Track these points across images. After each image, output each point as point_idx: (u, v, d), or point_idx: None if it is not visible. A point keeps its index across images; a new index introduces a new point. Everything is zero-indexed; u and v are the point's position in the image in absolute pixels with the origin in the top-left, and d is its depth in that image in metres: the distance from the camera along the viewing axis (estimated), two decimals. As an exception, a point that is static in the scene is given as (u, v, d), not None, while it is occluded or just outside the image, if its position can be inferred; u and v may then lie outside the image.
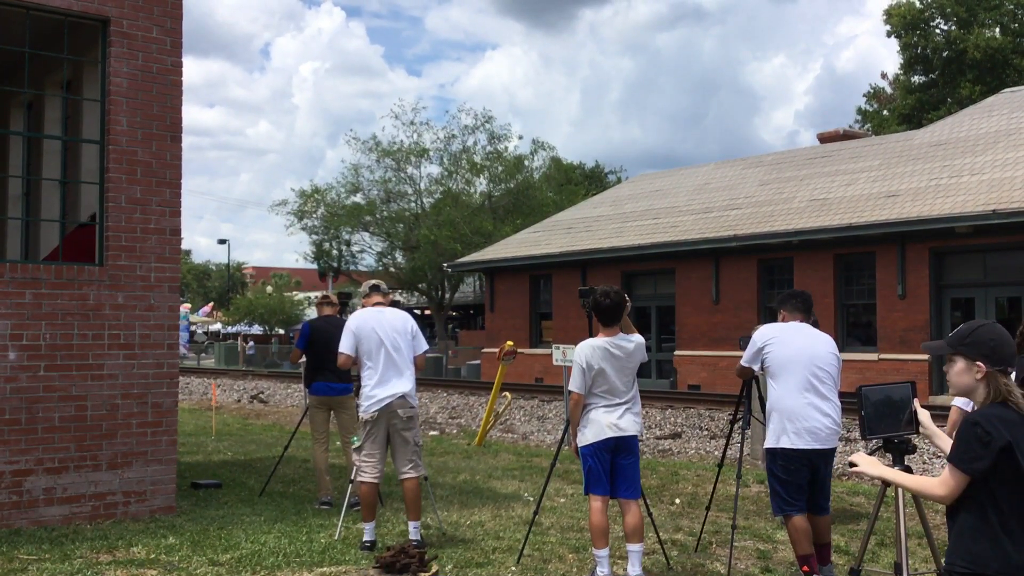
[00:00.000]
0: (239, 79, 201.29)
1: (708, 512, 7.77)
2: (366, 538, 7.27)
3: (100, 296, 8.29)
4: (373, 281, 7.90)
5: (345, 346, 7.45)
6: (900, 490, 4.35)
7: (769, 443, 6.28)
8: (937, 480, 3.39)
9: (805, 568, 6.13)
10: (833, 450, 6.26)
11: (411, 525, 7.29)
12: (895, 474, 3.71)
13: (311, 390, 9.31)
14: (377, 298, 7.71)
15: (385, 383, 7.27)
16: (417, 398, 7.52)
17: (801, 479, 6.13)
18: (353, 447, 7.56)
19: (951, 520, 3.43)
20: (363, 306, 7.71)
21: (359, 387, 7.72)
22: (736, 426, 7.89)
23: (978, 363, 3.43)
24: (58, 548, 7.10)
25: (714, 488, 7.89)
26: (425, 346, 7.64)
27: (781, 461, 6.16)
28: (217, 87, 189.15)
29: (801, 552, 6.16)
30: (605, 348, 6.24)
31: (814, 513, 6.27)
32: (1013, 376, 3.52)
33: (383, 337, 7.34)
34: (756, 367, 6.50)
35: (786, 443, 6.12)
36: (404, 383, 7.33)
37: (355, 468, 7.69)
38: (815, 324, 8.69)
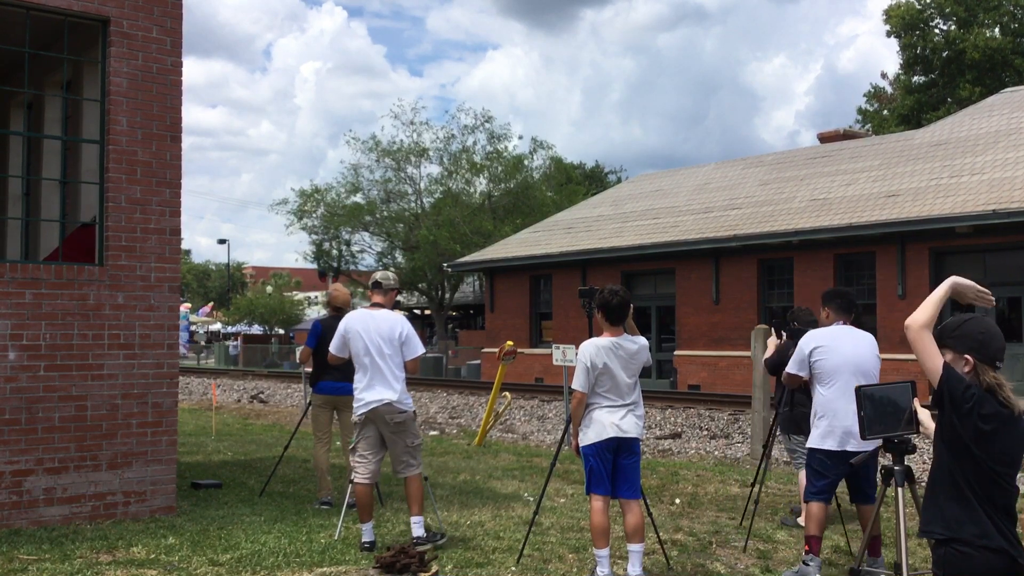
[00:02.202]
0: (241, 79, 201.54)
1: (746, 510, 7.82)
2: (365, 539, 7.24)
3: (100, 296, 8.29)
4: (377, 276, 7.72)
5: (333, 346, 7.50)
6: (900, 490, 4.35)
7: (814, 443, 6.53)
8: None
9: (807, 548, 6.52)
10: (877, 450, 6.41)
11: (413, 520, 7.22)
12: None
13: (316, 389, 9.30)
14: (377, 297, 7.60)
15: (371, 388, 7.22)
16: (410, 401, 7.43)
17: (836, 476, 6.47)
18: (349, 448, 7.55)
19: (929, 490, 3.55)
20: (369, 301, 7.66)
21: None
22: (769, 428, 8.05)
23: (966, 356, 3.46)
24: (58, 548, 7.09)
25: (753, 485, 7.88)
26: (418, 351, 7.45)
27: (820, 456, 6.46)
28: (219, 87, 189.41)
29: (809, 533, 6.55)
30: (609, 348, 6.24)
31: (860, 503, 6.64)
32: None
33: (368, 342, 7.25)
34: (804, 374, 6.68)
35: (832, 445, 6.37)
36: (389, 390, 7.22)
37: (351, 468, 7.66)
38: (815, 324, 8.75)
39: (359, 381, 7.29)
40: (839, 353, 6.50)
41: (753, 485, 8.00)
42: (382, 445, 7.37)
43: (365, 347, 7.24)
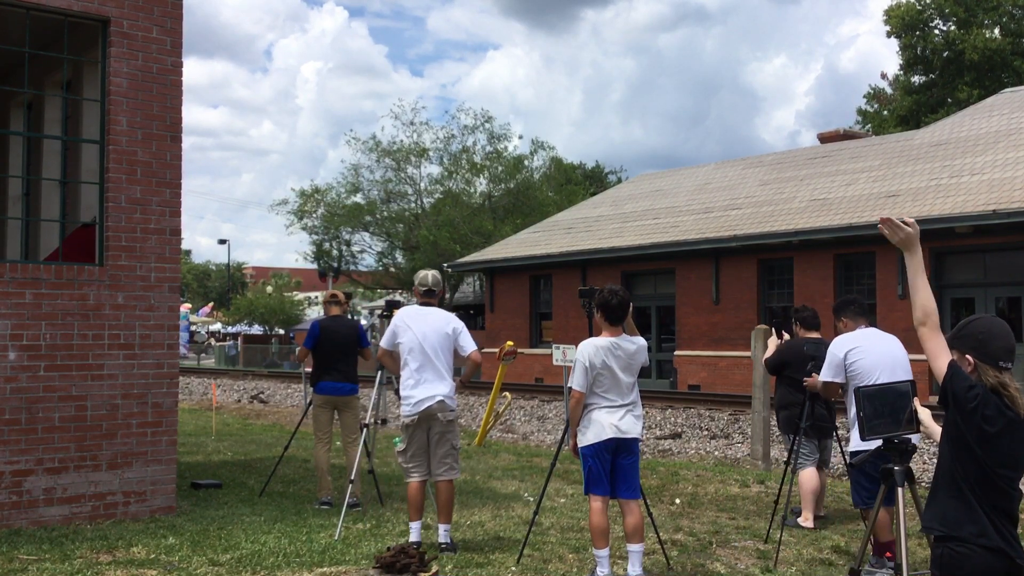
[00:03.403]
0: (243, 80, 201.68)
1: (774, 515, 7.79)
2: (413, 538, 7.11)
3: (100, 296, 8.29)
4: (428, 282, 7.46)
5: (385, 341, 7.42)
6: (900, 490, 4.35)
7: (858, 446, 6.48)
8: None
9: (888, 554, 6.53)
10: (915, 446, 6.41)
11: (441, 528, 7.18)
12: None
13: (316, 389, 9.31)
14: (428, 299, 7.47)
15: (420, 384, 7.11)
16: (456, 400, 7.33)
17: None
18: (397, 449, 7.39)
19: (932, 488, 3.58)
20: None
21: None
22: (793, 435, 8.05)
23: (967, 356, 3.46)
24: (58, 548, 7.09)
25: (784, 492, 7.84)
26: (473, 344, 7.38)
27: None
28: (221, 88, 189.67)
29: (883, 540, 6.56)
30: (608, 348, 6.24)
31: (884, 503, 6.56)
32: None
33: (421, 338, 7.17)
34: (840, 379, 6.69)
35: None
36: (441, 385, 7.14)
37: (357, 468, 7.56)
38: (817, 324, 8.75)
39: (407, 379, 7.18)
40: (874, 352, 6.54)
41: (781, 487, 8.02)
42: (427, 444, 7.24)
43: (418, 342, 7.16)
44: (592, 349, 6.24)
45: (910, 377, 6.30)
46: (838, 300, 7.19)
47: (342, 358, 9.26)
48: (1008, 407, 3.38)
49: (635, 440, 6.31)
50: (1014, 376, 3.52)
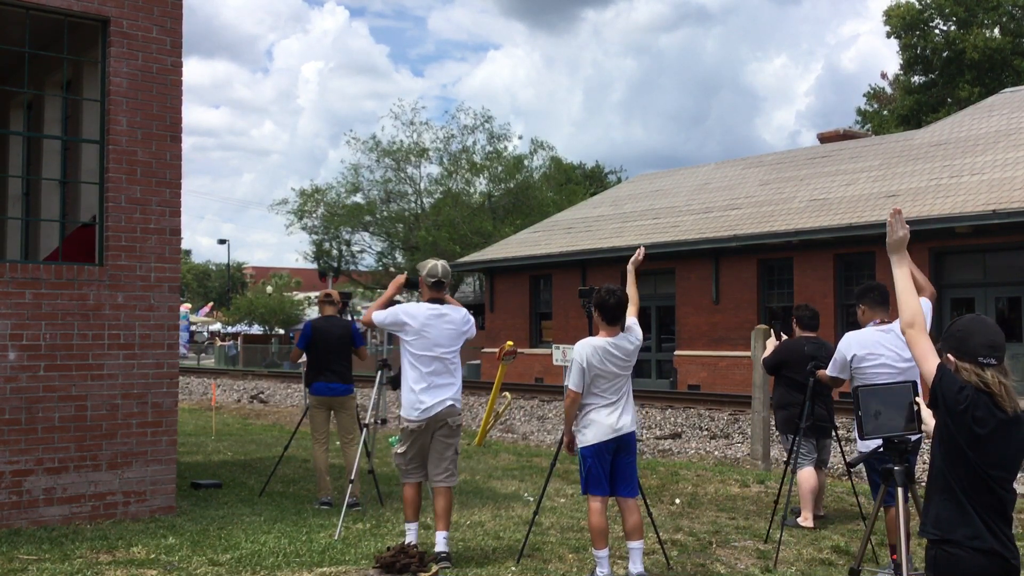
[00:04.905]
0: (244, 80, 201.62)
1: (774, 515, 7.75)
2: (409, 539, 6.97)
3: (100, 296, 8.29)
4: (439, 273, 6.96)
5: (380, 315, 6.96)
6: (900, 490, 4.35)
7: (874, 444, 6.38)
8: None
9: (894, 556, 6.41)
10: (919, 441, 6.41)
11: (439, 536, 6.87)
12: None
13: (311, 390, 9.30)
14: (438, 293, 6.99)
15: (433, 389, 6.83)
16: (462, 401, 7.11)
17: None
18: (395, 450, 7.15)
19: (927, 491, 3.57)
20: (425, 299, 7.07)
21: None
22: (794, 434, 8.01)
23: (948, 355, 3.46)
24: (58, 548, 7.09)
25: (784, 492, 7.83)
26: (472, 331, 7.08)
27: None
28: (222, 88, 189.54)
29: (892, 541, 6.45)
30: (605, 348, 6.24)
31: (889, 504, 6.61)
32: None
33: (435, 343, 6.85)
34: (845, 376, 6.61)
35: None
36: (451, 388, 6.90)
37: (357, 468, 7.51)
38: (816, 323, 8.75)
39: (416, 382, 6.83)
40: (883, 357, 6.33)
41: (781, 486, 8.01)
42: (428, 448, 6.99)
43: (432, 350, 6.82)
44: (589, 350, 6.23)
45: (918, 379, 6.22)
46: (861, 285, 6.88)
47: (336, 358, 9.22)
48: (998, 407, 3.36)
49: (632, 435, 6.30)
50: (1007, 374, 3.46)
